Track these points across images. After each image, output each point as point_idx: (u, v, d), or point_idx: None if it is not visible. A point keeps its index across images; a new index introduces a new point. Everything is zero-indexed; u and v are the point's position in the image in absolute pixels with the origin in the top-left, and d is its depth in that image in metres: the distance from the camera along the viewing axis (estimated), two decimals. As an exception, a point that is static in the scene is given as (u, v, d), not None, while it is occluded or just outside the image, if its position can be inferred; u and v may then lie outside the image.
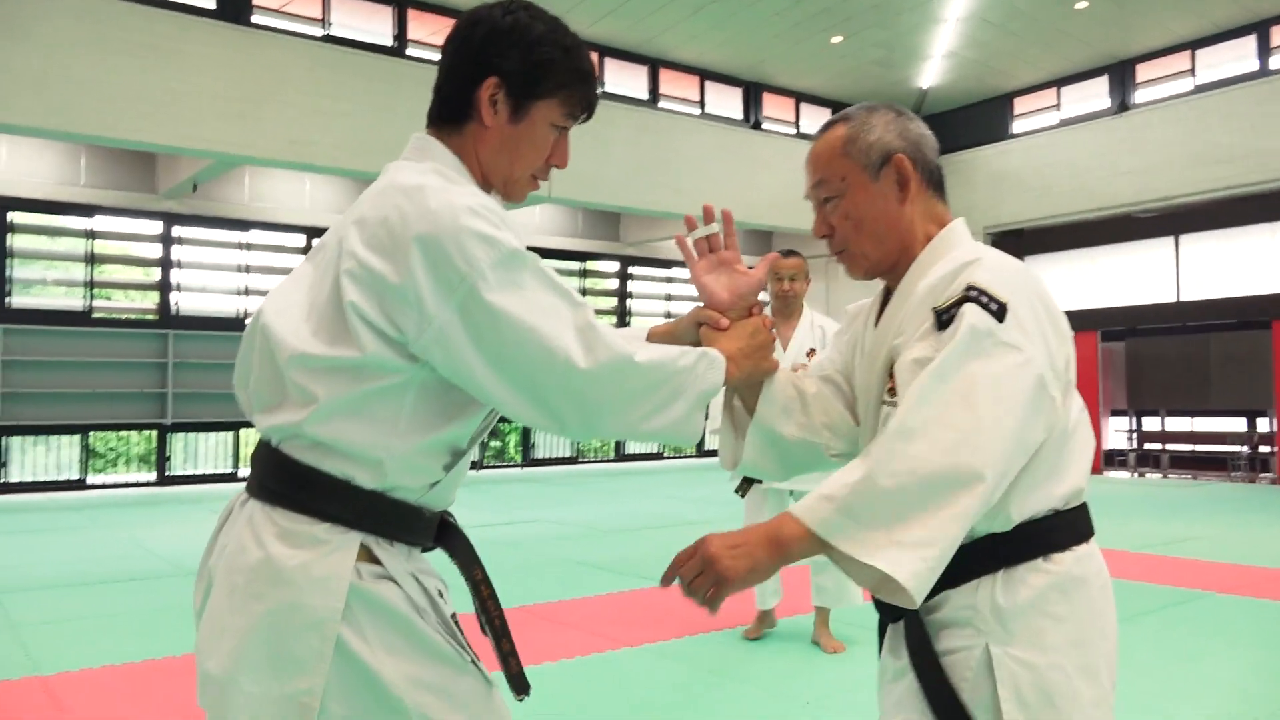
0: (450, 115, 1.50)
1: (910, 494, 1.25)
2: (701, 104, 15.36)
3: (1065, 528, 1.42)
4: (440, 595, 1.43)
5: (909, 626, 1.43)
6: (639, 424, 1.42)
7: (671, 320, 1.70)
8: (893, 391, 1.46)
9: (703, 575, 1.30)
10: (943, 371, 1.30)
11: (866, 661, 4.06)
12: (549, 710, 3.74)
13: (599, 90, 1.60)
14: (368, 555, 1.36)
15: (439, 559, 1.50)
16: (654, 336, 1.67)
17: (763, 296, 5.31)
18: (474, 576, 1.49)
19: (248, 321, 1.45)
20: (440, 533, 1.49)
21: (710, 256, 1.70)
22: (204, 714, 1.38)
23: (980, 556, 1.39)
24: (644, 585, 6.14)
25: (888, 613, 1.51)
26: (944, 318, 1.36)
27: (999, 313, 1.32)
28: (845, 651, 4.55)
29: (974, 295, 1.34)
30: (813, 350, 4.66)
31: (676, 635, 4.85)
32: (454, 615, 1.45)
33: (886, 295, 1.62)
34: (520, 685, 1.49)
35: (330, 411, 1.33)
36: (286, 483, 1.37)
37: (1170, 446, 15.55)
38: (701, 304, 1.68)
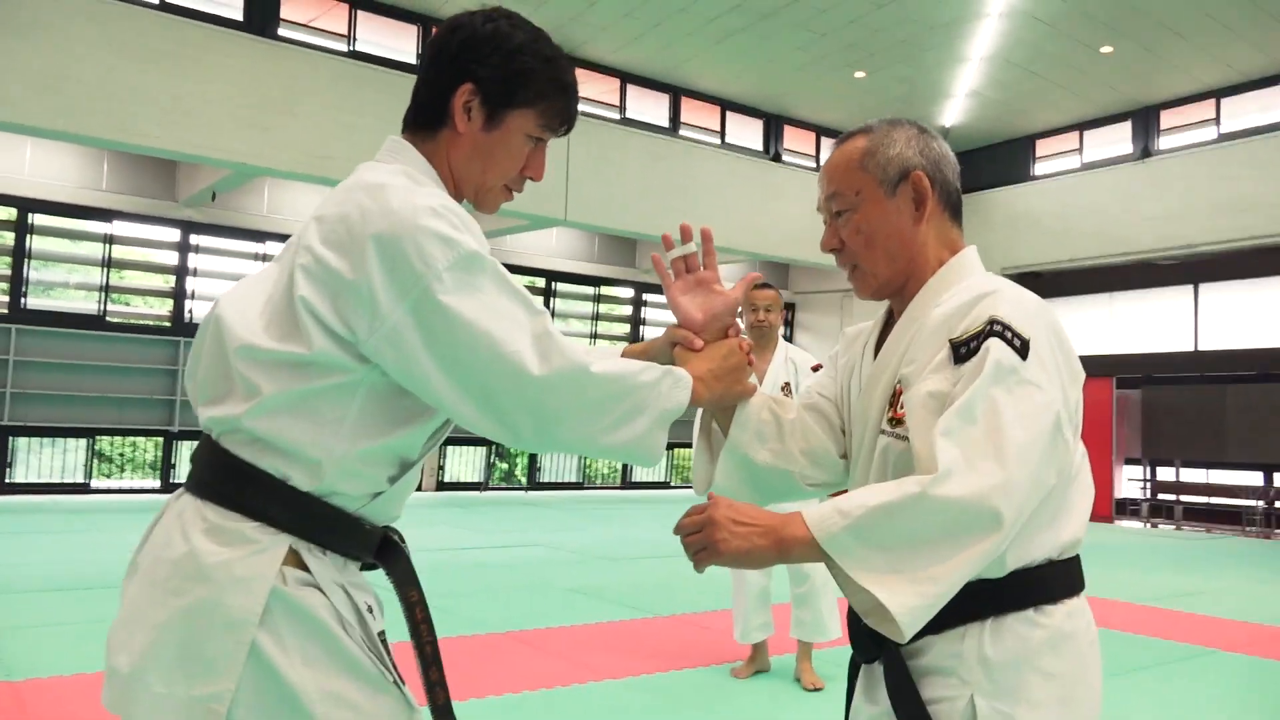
0: (425, 120, 1.48)
1: (927, 531, 1.20)
2: (722, 133, 15.38)
3: (1059, 579, 1.37)
4: (370, 611, 1.37)
5: (889, 671, 1.36)
6: (597, 437, 1.38)
7: (648, 340, 1.66)
8: (895, 421, 1.40)
9: (700, 534, 1.31)
10: (969, 410, 1.25)
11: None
12: (521, 741, 3.65)
13: (579, 104, 1.56)
14: (296, 560, 1.30)
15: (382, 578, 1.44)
16: (629, 355, 1.63)
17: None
18: (409, 598, 1.42)
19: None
20: (381, 549, 1.42)
21: (687, 277, 1.65)
22: None
23: (969, 603, 1.32)
24: (634, 616, 6.04)
25: (864, 652, 1.44)
26: (962, 350, 1.31)
27: (1022, 349, 1.28)
28: (824, 689, 4.46)
29: (998, 330, 1.29)
30: (787, 384, 4.63)
31: (661, 669, 4.75)
32: (382, 633, 1.39)
33: (887, 321, 1.57)
34: (445, 719, 1.42)
35: (273, 406, 1.29)
36: (221, 477, 1.33)
37: (1184, 498, 15.31)
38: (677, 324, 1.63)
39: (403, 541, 1.46)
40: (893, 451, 1.40)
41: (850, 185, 1.48)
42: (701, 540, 1.30)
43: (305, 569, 1.30)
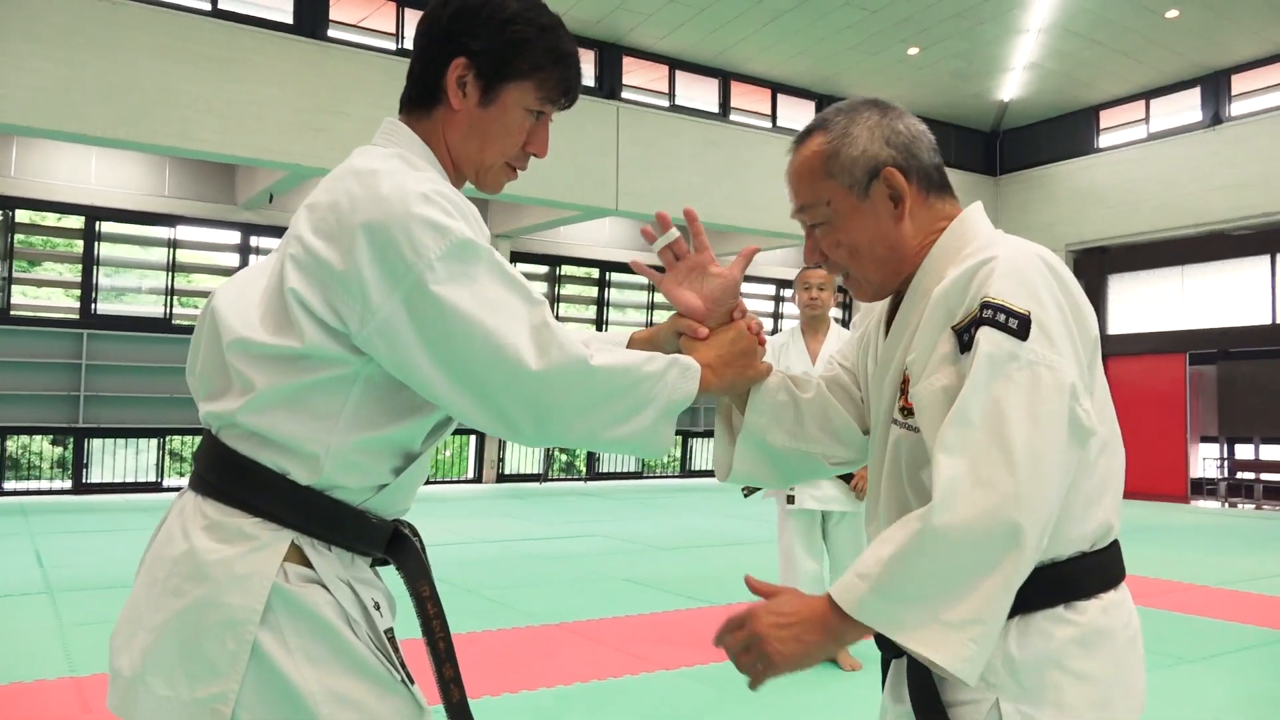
0: (420, 99, 1.43)
1: (949, 567, 1.11)
2: (773, 117, 15.19)
3: (1092, 572, 1.25)
4: (377, 607, 1.33)
5: (911, 672, 1.28)
6: (600, 432, 1.32)
7: (651, 328, 1.58)
8: (906, 411, 1.32)
9: (749, 653, 1.22)
10: (966, 414, 1.15)
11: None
12: (571, 733, 3.63)
13: (582, 74, 1.48)
14: (299, 557, 1.27)
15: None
16: (635, 342, 1.57)
17: (792, 309, 5.24)
18: (419, 592, 1.37)
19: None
20: (391, 543, 1.38)
21: (678, 266, 1.57)
22: None
23: None
24: (688, 605, 5.99)
25: (889, 648, 1.36)
26: (965, 338, 1.21)
27: (1020, 328, 1.16)
28: (862, 670, 4.48)
29: (988, 316, 1.18)
30: None
31: (715, 660, 4.70)
32: (390, 630, 1.35)
33: (897, 297, 1.46)
34: (460, 717, 1.37)
35: (268, 401, 1.26)
36: (221, 473, 1.30)
37: (1264, 476, 14.77)
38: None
39: (415, 535, 1.42)
40: (904, 445, 1.32)
41: (818, 196, 1.37)
42: (754, 659, 1.21)
43: (308, 565, 1.27)
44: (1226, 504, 14.79)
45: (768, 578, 5.43)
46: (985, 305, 1.19)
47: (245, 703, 1.21)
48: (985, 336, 1.17)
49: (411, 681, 1.32)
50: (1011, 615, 1.21)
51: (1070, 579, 1.24)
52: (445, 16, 1.40)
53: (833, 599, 1.17)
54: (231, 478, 1.29)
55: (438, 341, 1.23)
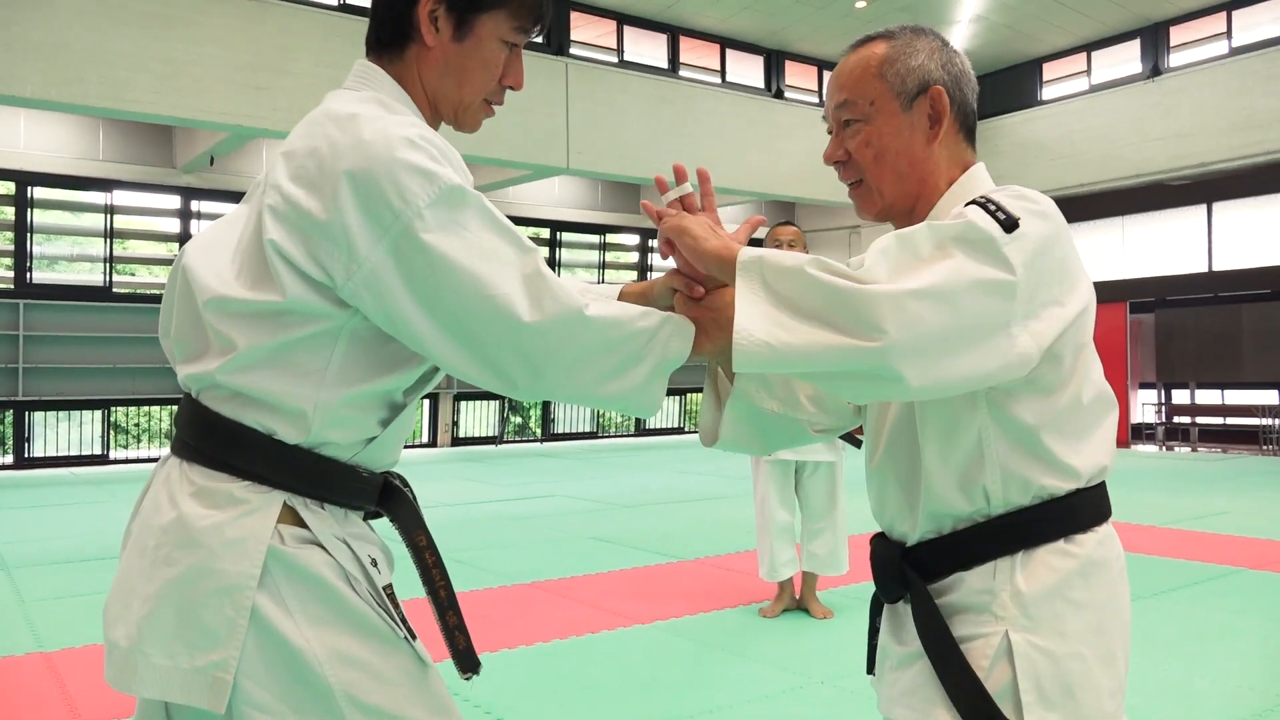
0: (389, 38, 1.36)
1: (818, 299, 1.13)
2: (722, 73, 15.11)
3: (1088, 506, 1.29)
4: (374, 564, 1.31)
5: (919, 610, 1.30)
6: (593, 387, 1.29)
7: (646, 282, 1.53)
8: None
9: (673, 232, 1.37)
10: (913, 239, 1.14)
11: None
12: (556, 688, 3.67)
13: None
14: (293, 517, 1.24)
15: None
16: (626, 296, 1.51)
17: None
18: (415, 541, 1.34)
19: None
20: (383, 495, 1.36)
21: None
22: None
23: (998, 536, 1.26)
24: (657, 561, 6.05)
25: (889, 592, 1.39)
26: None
27: (1007, 224, 1.15)
28: (833, 618, 4.67)
29: (982, 201, 1.19)
30: None
31: (689, 612, 4.76)
32: (389, 586, 1.33)
33: None
34: (467, 663, 1.35)
35: (250, 360, 1.22)
36: (204, 437, 1.26)
37: (1200, 420, 15.27)
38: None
39: (406, 485, 1.39)
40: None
41: (864, 94, 1.37)
42: (673, 236, 1.36)
43: (302, 525, 1.24)
44: (1164, 447, 15.28)
45: (730, 531, 5.54)
46: (983, 197, 1.20)
47: (247, 669, 1.18)
48: (974, 211, 1.18)
49: (414, 637, 1.31)
50: (1015, 550, 1.25)
51: (1069, 513, 1.28)
52: None
53: (739, 248, 1.24)
54: (216, 441, 1.25)
55: (428, 292, 1.19)
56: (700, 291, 1.43)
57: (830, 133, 1.44)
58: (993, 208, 1.17)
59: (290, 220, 1.20)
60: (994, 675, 1.23)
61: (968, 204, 1.21)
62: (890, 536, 1.40)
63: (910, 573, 1.32)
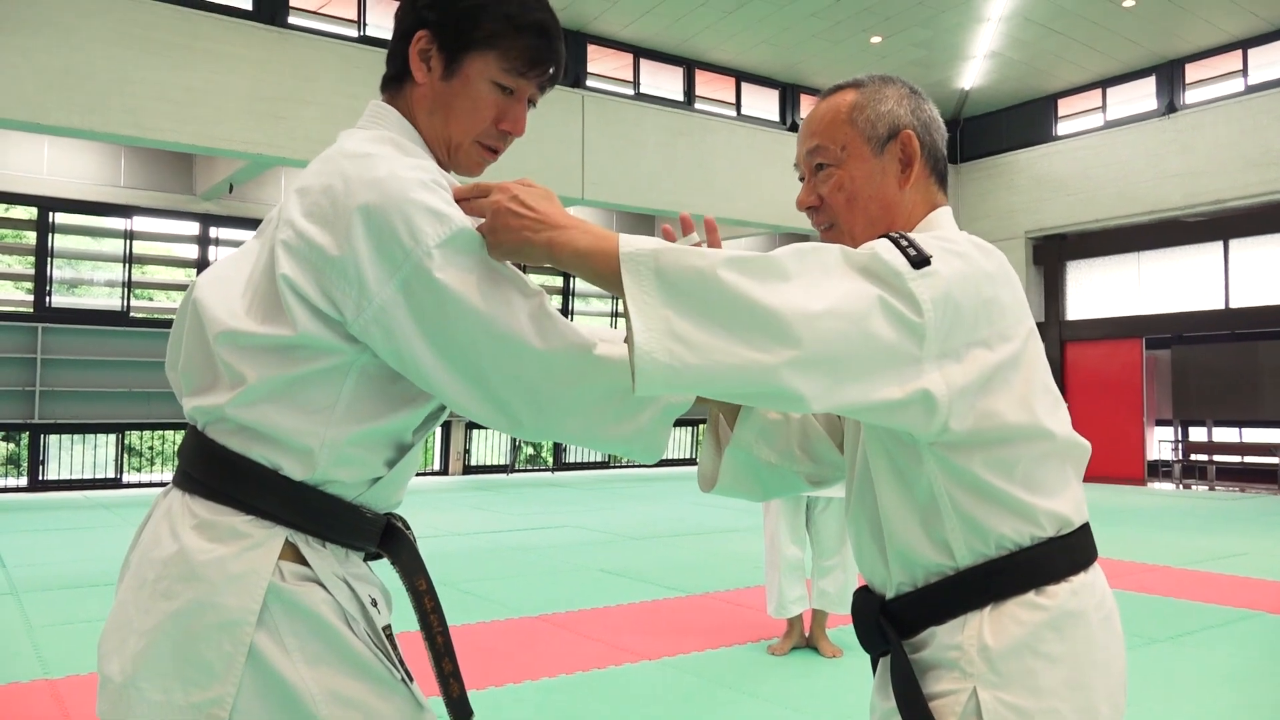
0: (393, 75, 1.39)
1: (723, 307, 1.08)
2: (738, 106, 15.21)
3: (1059, 555, 1.26)
4: (374, 604, 1.30)
5: (894, 666, 1.28)
6: (599, 429, 1.28)
7: None
8: None
9: (488, 213, 1.22)
10: (826, 257, 1.13)
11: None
12: (560, 726, 3.63)
13: (556, 48, 1.40)
14: (294, 554, 1.23)
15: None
16: None
17: None
18: (416, 586, 1.34)
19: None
20: (385, 537, 1.35)
21: None
22: None
23: (965, 590, 1.24)
24: (666, 595, 6.01)
25: (869, 646, 1.38)
26: None
27: (916, 260, 1.14)
28: (842, 657, 4.62)
29: (895, 236, 1.18)
30: None
31: (697, 648, 4.72)
32: (388, 628, 1.32)
33: None
34: (460, 712, 1.35)
35: (259, 394, 1.22)
36: (209, 470, 1.25)
37: (1217, 457, 15.12)
38: None
39: (407, 528, 1.39)
40: (873, 436, 1.31)
41: (835, 139, 1.38)
42: (487, 219, 1.23)
43: (304, 563, 1.24)
44: (1181, 485, 15.12)
45: (741, 565, 5.48)
46: (895, 232, 1.19)
47: (243, 706, 1.17)
48: (881, 244, 1.16)
49: (411, 679, 1.30)
50: (983, 605, 1.23)
51: (1037, 564, 1.24)
52: None
53: (614, 238, 1.14)
54: (221, 474, 1.24)
55: (436, 330, 1.19)
56: None
57: (801, 179, 1.44)
58: (904, 244, 1.16)
59: (303, 255, 1.21)
60: None
61: (879, 237, 1.20)
62: (871, 588, 1.38)
63: (887, 627, 1.30)
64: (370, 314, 1.19)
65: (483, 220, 1.24)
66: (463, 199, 1.25)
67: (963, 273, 1.18)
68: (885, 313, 1.12)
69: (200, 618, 1.18)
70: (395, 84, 1.39)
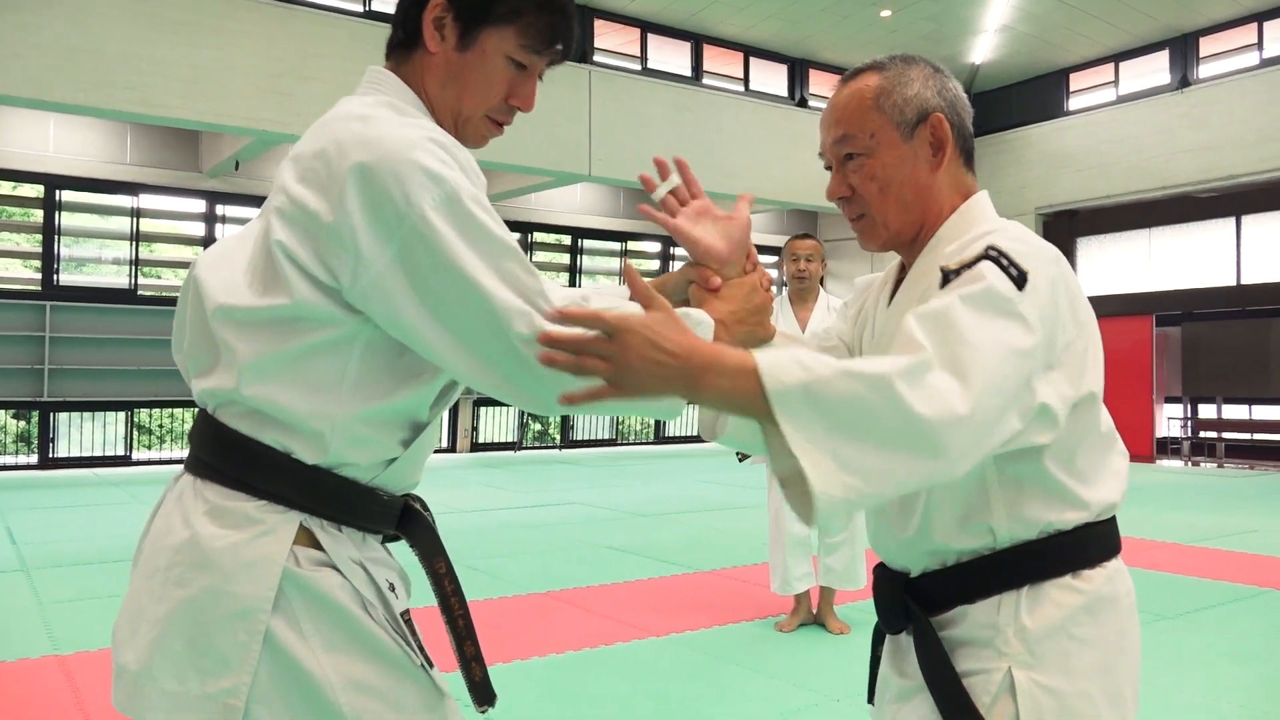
0: (400, 41, 1.35)
1: (879, 427, 1.06)
2: (746, 81, 15.08)
3: (1097, 541, 1.27)
4: (392, 589, 1.28)
5: (921, 643, 1.28)
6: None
7: (660, 277, 1.48)
8: None
9: (600, 360, 1.09)
10: (948, 314, 1.11)
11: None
12: (569, 701, 3.64)
13: (574, 25, 1.37)
14: (309, 539, 1.21)
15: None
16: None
17: (775, 274, 5.23)
18: (435, 569, 1.32)
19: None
20: (403, 519, 1.32)
21: (685, 211, 1.47)
22: None
23: (1002, 570, 1.24)
24: (674, 571, 6.01)
25: (891, 624, 1.37)
26: (951, 276, 1.19)
27: (1019, 280, 1.15)
28: (850, 633, 4.64)
29: (994, 256, 1.17)
30: None
31: (704, 625, 4.72)
32: (407, 612, 1.30)
33: (901, 272, 1.46)
34: (483, 695, 1.33)
35: (261, 371, 1.18)
36: (219, 454, 1.22)
37: (1227, 435, 15.06)
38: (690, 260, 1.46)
39: (426, 509, 1.36)
40: None
41: (864, 127, 1.34)
42: (601, 369, 1.09)
43: (319, 548, 1.21)
44: (1190, 463, 15.07)
45: (748, 542, 5.46)
46: (991, 247, 1.18)
47: (260, 695, 1.15)
48: (989, 269, 1.15)
49: (431, 665, 1.28)
50: (1021, 585, 1.23)
51: (1077, 548, 1.25)
52: None
53: (753, 364, 1.08)
54: (232, 458, 1.22)
55: (435, 297, 1.15)
56: (718, 283, 1.41)
57: (828, 169, 1.41)
58: (1005, 263, 1.16)
59: (297, 221, 1.18)
60: (996, 712, 1.21)
61: (980, 257, 1.18)
62: (891, 567, 1.37)
63: (913, 605, 1.29)
64: (367, 280, 1.15)
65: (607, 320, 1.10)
66: (589, 344, 1.10)
67: (1052, 278, 1.19)
68: (1014, 352, 1.12)
69: (214, 606, 1.16)
70: (402, 50, 1.35)
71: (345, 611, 1.20)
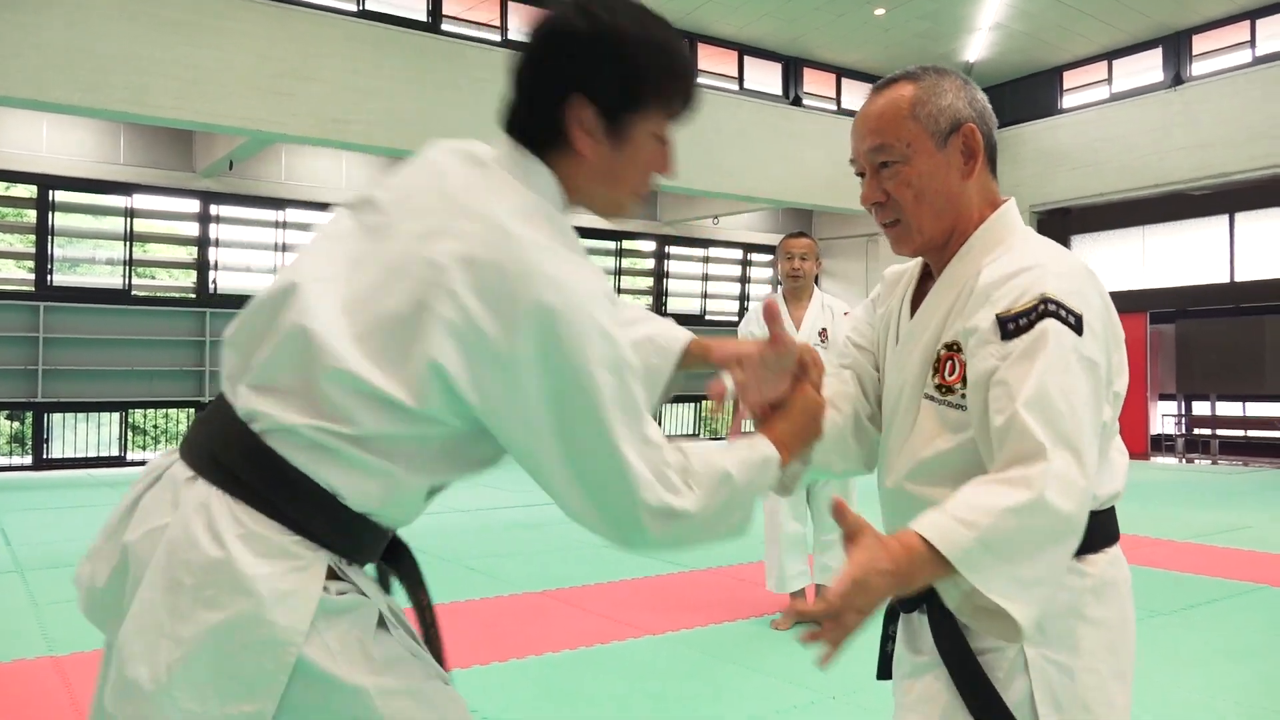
0: (537, 137, 1.30)
1: (1039, 536, 1.19)
2: (740, 80, 15.09)
3: (1100, 529, 1.36)
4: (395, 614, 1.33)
5: (937, 623, 1.36)
6: (710, 542, 1.33)
7: (711, 346, 1.53)
8: (944, 389, 1.36)
9: (830, 630, 1.19)
10: (1047, 396, 1.22)
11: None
12: (565, 700, 3.64)
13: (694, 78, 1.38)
14: (331, 573, 1.22)
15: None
16: (691, 356, 1.53)
17: (758, 274, 5.25)
18: (420, 601, 1.36)
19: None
20: (391, 550, 1.36)
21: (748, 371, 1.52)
22: None
23: None
24: (670, 570, 6.02)
25: (906, 601, 1.43)
26: (1010, 326, 1.27)
27: (1078, 325, 1.26)
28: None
29: (1053, 310, 1.26)
30: (824, 330, 4.65)
31: (701, 623, 4.73)
32: (414, 633, 1.35)
33: (924, 275, 1.51)
34: None
35: (354, 434, 1.18)
36: (265, 480, 1.19)
37: (1221, 432, 15.10)
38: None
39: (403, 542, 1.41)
40: (949, 419, 1.36)
41: (899, 136, 1.40)
42: (836, 632, 1.19)
43: (338, 577, 1.23)
44: (1184, 460, 15.12)
45: (745, 541, 5.46)
46: (1046, 300, 1.26)
47: (293, 710, 1.16)
48: (1054, 329, 1.25)
49: (448, 673, 1.32)
50: None
51: (1084, 535, 1.29)
52: (550, 49, 1.27)
53: (925, 543, 1.16)
54: (279, 489, 1.19)
55: (575, 446, 1.18)
56: (769, 414, 1.45)
57: (861, 175, 1.46)
58: (1063, 314, 1.26)
59: (467, 341, 1.15)
60: (1011, 688, 1.30)
61: (1039, 313, 1.26)
62: None
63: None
64: (514, 409, 1.17)
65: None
66: (819, 637, 1.21)
67: (1098, 310, 1.31)
68: (1095, 396, 1.26)
69: (249, 632, 1.14)
70: (542, 144, 1.29)
71: (371, 629, 1.22)
